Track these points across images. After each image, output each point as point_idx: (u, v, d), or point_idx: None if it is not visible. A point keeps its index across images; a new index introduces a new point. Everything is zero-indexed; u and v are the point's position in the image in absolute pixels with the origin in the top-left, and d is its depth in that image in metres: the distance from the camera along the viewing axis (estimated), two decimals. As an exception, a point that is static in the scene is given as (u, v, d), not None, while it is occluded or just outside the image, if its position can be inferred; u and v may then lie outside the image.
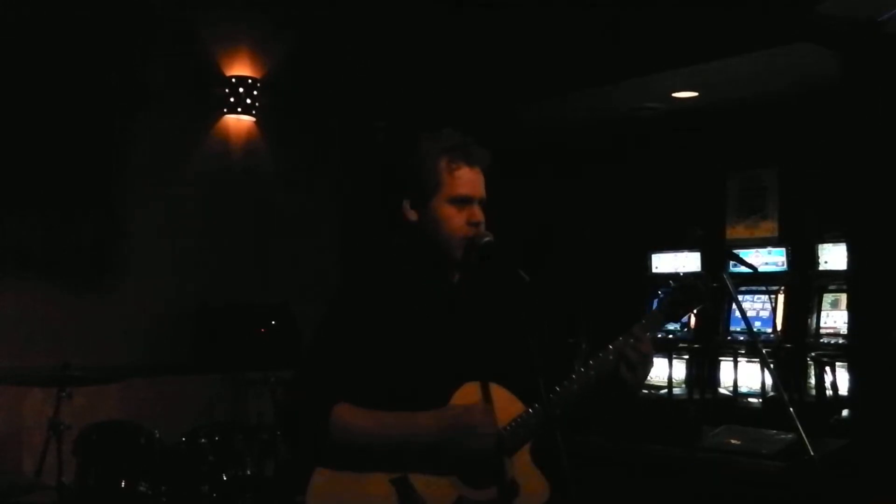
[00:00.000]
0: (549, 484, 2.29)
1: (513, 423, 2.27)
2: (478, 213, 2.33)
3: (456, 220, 2.31)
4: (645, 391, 6.37)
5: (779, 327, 6.05)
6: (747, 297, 6.20)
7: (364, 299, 2.34)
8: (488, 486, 2.23)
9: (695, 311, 2.42)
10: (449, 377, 2.27)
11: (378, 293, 2.34)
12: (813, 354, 5.76)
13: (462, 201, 2.31)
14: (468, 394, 2.27)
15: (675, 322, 2.50)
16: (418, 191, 2.33)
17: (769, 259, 6.20)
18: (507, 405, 2.28)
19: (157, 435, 4.23)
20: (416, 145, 2.36)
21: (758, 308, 6.23)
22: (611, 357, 2.33)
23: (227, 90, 6.23)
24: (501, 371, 2.32)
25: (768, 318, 6.17)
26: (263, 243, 6.36)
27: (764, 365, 5.90)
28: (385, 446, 2.20)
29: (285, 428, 2.33)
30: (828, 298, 5.93)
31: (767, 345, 5.87)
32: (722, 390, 6.20)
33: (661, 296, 2.43)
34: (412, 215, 2.35)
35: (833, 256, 5.84)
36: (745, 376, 6.08)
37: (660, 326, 2.43)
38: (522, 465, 2.28)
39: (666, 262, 6.82)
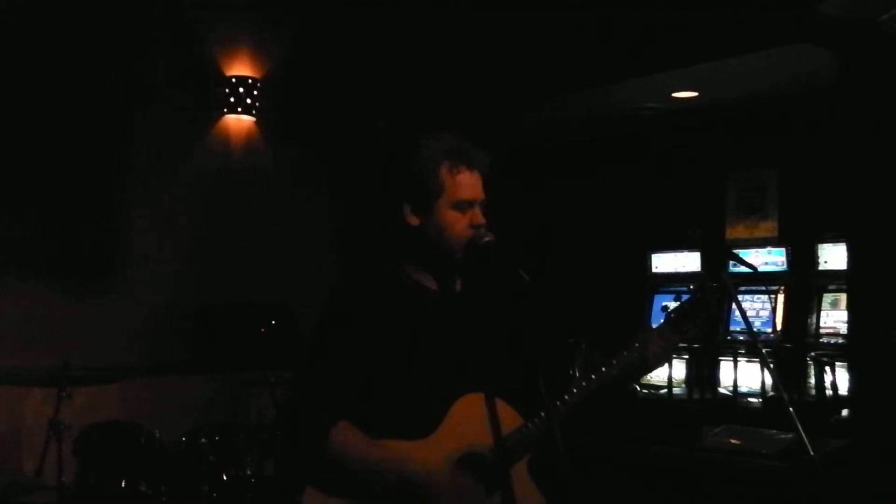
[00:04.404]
0: (543, 497, 2.31)
1: (511, 435, 2.26)
2: (479, 216, 2.32)
3: (459, 224, 2.30)
4: (645, 391, 6.37)
5: (779, 327, 6.05)
6: (747, 297, 6.20)
7: (362, 306, 2.32)
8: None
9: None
10: (450, 385, 2.27)
11: (377, 300, 2.33)
12: (813, 354, 5.77)
13: (464, 205, 2.31)
14: (466, 405, 2.26)
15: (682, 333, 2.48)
16: (420, 196, 2.32)
17: (769, 259, 6.21)
18: (505, 418, 2.26)
19: (157, 435, 4.22)
20: (416, 150, 2.34)
21: (758, 308, 6.23)
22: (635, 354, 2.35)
23: (227, 90, 6.23)
24: (502, 374, 2.31)
25: (768, 318, 6.17)
26: (263, 243, 6.36)
27: (764, 365, 5.90)
28: (378, 479, 2.21)
29: (283, 440, 2.33)
30: (827, 298, 5.93)
31: (767, 345, 5.88)
32: (722, 390, 6.20)
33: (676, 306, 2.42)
34: (413, 220, 2.33)
35: (833, 256, 5.84)
36: (745, 376, 6.08)
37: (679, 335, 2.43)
38: (519, 478, 2.28)
39: (666, 262, 6.82)
